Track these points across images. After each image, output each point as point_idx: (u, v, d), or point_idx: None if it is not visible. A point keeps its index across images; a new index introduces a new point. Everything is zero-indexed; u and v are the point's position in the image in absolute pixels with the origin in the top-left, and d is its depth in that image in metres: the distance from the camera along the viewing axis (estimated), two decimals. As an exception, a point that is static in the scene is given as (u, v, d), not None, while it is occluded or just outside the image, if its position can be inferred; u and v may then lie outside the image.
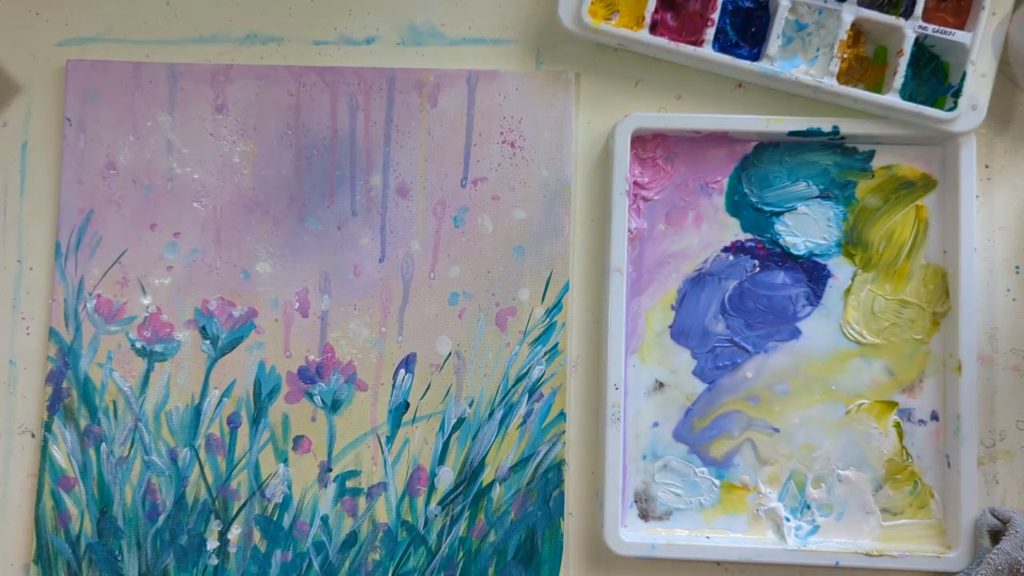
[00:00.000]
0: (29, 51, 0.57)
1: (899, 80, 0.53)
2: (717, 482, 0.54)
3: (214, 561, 0.54)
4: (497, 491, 0.54)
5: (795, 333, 0.55)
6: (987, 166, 0.56)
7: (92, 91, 0.56)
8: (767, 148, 0.56)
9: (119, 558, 0.54)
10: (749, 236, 0.55)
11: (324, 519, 0.55)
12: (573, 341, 0.55)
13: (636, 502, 0.54)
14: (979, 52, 0.53)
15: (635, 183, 0.55)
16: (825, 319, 0.55)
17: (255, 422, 0.55)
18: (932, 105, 0.54)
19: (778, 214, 0.55)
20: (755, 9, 0.55)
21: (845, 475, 0.54)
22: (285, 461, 0.55)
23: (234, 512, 0.55)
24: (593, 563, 0.55)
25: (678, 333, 0.55)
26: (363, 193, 0.56)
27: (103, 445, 0.55)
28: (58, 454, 0.55)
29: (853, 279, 0.55)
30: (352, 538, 0.54)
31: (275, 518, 0.55)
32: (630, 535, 0.53)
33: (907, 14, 0.53)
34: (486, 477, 0.55)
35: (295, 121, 0.56)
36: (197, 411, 0.55)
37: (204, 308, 0.55)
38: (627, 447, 0.54)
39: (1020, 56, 0.53)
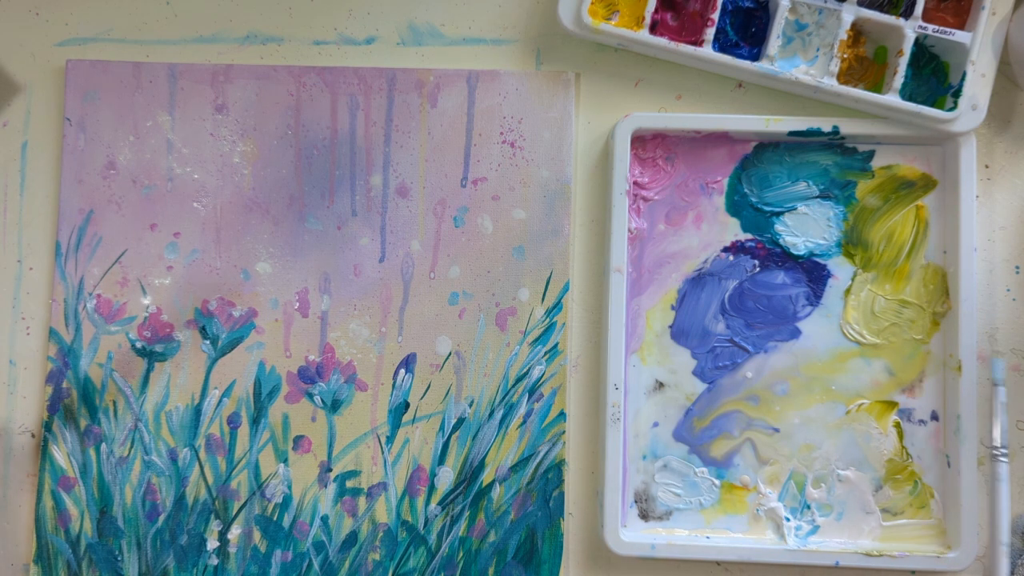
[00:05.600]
0: (29, 51, 0.57)
1: (899, 80, 0.53)
2: (717, 482, 0.54)
3: (214, 561, 0.54)
4: (497, 491, 0.54)
5: (795, 333, 0.55)
6: (987, 166, 0.56)
7: (92, 91, 0.56)
8: (767, 148, 0.56)
9: (119, 558, 0.54)
10: (749, 236, 0.55)
11: (324, 519, 0.55)
12: (573, 341, 0.55)
13: (636, 502, 0.54)
14: (979, 52, 0.53)
15: (635, 183, 0.55)
16: (825, 319, 0.55)
17: (255, 422, 0.55)
18: (932, 105, 0.54)
19: (778, 214, 0.55)
20: (755, 9, 0.55)
21: (845, 475, 0.54)
22: (285, 461, 0.55)
23: (234, 512, 0.55)
24: (593, 563, 0.55)
25: (678, 333, 0.55)
26: (363, 193, 0.56)
27: (103, 445, 0.55)
28: (58, 454, 0.55)
29: (853, 279, 0.55)
30: (352, 538, 0.55)
31: (275, 518, 0.55)
32: (630, 535, 0.53)
33: (907, 14, 0.53)
34: (486, 477, 0.55)
35: (295, 121, 0.56)
36: (197, 411, 0.55)
37: (204, 308, 0.55)
38: (627, 447, 0.54)
39: (1020, 56, 0.53)
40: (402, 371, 0.55)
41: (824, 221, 0.55)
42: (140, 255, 0.56)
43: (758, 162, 0.56)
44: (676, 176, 0.56)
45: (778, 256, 0.55)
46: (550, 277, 0.55)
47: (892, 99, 0.53)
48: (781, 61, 0.54)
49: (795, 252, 0.55)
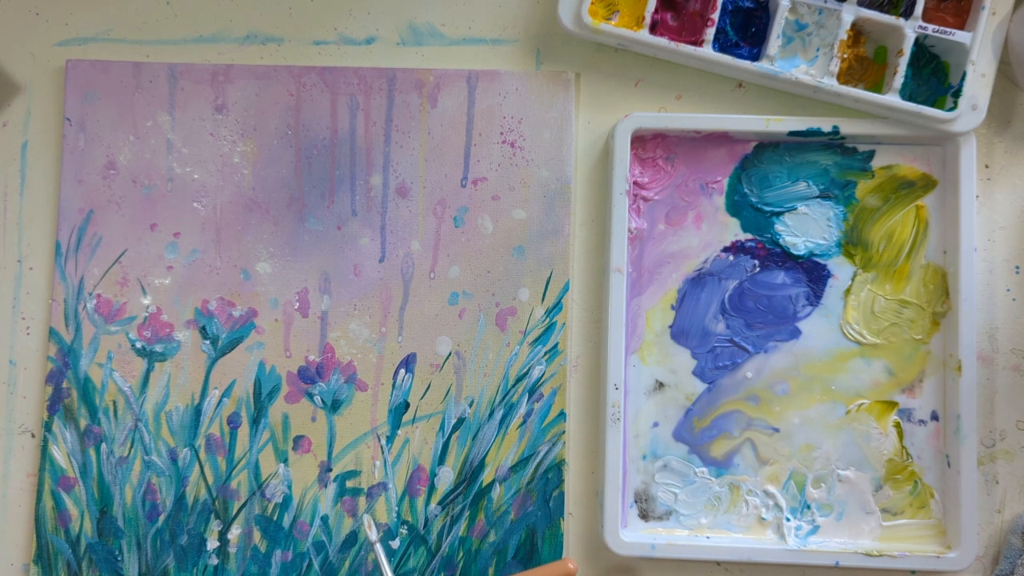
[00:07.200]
0: (29, 51, 0.57)
1: (899, 80, 0.53)
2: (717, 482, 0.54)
3: (214, 561, 0.54)
4: (497, 491, 0.54)
5: (795, 333, 0.55)
6: (987, 166, 0.56)
7: (92, 91, 0.56)
8: (767, 148, 0.56)
9: (119, 558, 0.54)
10: (749, 236, 0.55)
11: (324, 519, 0.55)
12: (573, 341, 0.55)
13: (636, 502, 0.54)
14: (979, 52, 0.53)
15: (635, 183, 0.55)
16: (825, 319, 0.55)
17: (255, 422, 0.55)
18: (932, 105, 0.54)
19: (778, 214, 0.55)
20: (755, 9, 0.55)
21: (845, 475, 0.54)
22: (285, 461, 0.55)
23: (234, 512, 0.55)
24: (593, 563, 0.55)
25: (678, 333, 0.55)
26: (363, 193, 0.56)
27: (103, 445, 0.55)
28: (58, 454, 0.55)
29: (853, 279, 0.55)
30: (352, 538, 0.54)
31: (275, 518, 0.55)
32: (630, 535, 0.53)
33: (907, 14, 0.53)
34: (486, 477, 0.55)
35: (295, 121, 0.56)
36: (197, 411, 0.55)
37: (204, 308, 0.55)
38: (627, 447, 0.54)
39: (1020, 56, 0.53)
40: (402, 371, 0.55)
41: (824, 221, 0.55)
42: (140, 255, 0.56)
43: (758, 162, 0.56)
44: (676, 176, 0.56)
45: (778, 256, 0.55)
46: (550, 277, 0.55)
47: (892, 99, 0.53)
48: (781, 61, 0.54)
49: (795, 252, 0.55)
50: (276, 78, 0.56)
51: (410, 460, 0.55)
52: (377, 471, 0.55)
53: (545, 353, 0.55)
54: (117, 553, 0.55)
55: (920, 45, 0.54)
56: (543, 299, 0.55)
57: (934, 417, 0.54)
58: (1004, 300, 0.55)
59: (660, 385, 0.55)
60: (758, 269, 0.55)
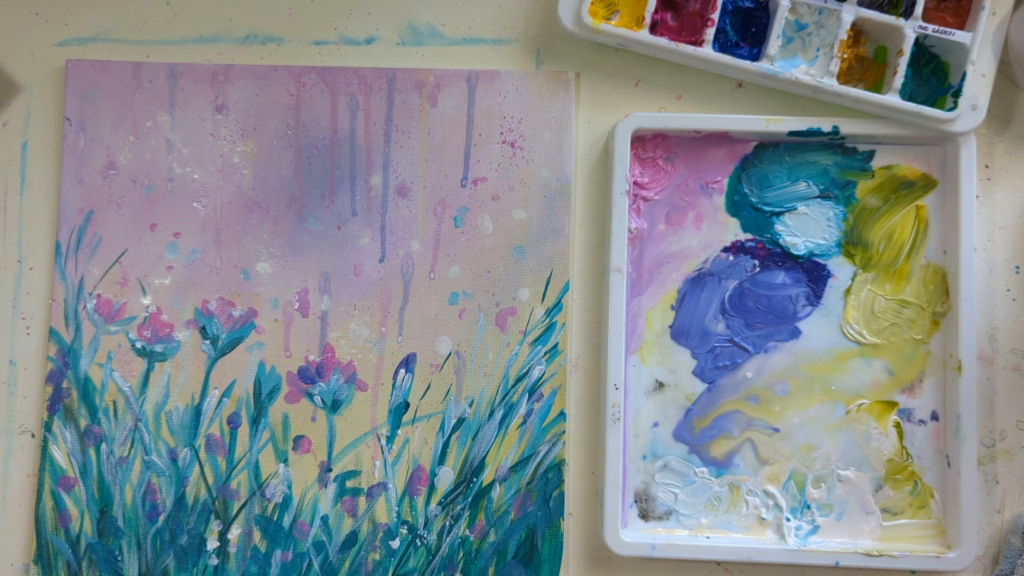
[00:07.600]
0: (29, 51, 0.57)
1: (899, 80, 0.53)
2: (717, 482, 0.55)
3: (214, 561, 0.54)
4: (497, 491, 0.54)
5: (795, 333, 0.55)
6: (987, 166, 0.56)
7: (92, 91, 0.56)
8: (767, 148, 0.56)
9: (119, 558, 0.54)
10: (749, 236, 0.55)
11: (324, 519, 0.55)
12: (573, 341, 0.55)
13: (636, 502, 0.54)
14: (979, 52, 0.53)
15: (635, 183, 0.55)
16: (825, 319, 0.55)
17: (255, 422, 0.55)
18: (932, 105, 0.54)
19: (778, 214, 0.55)
20: (755, 9, 0.55)
21: (845, 475, 0.54)
22: (285, 461, 0.55)
23: (234, 512, 0.55)
24: (593, 563, 0.55)
25: (678, 333, 0.55)
26: (363, 193, 0.56)
27: (103, 445, 0.55)
28: (58, 454, 0.55)
29: (853, 279, 0.55)
30: (352, 538, 0.55)
31: (275, 518, 0.55)
32: (630, 535, 0.53)
33: (907, 14, 0.53)
34: (486, 477, 0.55)
35: (295, 121, 0.56)
36: (197, 411, 0.55)
37: (204, 308, 0.55)
38: (627, 447, 0.54)
39: (1020, 56, 0.53)
40: (402, 371, 0.55)
41: (824, 221, 0.55)
42: (140, 255, 0.56)
43: (758, 162, 0.56)
44: (676, 176, 0.56)
45: (778, 256, 0.55)
46: (550, 277, 0.55)
47: (892, 99, 0.53)
48: (781, 61, 0.54)
49: (795, 252, 0.55)
50: (276, 78, 0.56)
51: (410, 460, 0.55)
52: (377, 471, 0.55)
53: (545, 353, 0.55)
54: (117, 553, 0.55)
55: (920, 45, 0.54)
56: (543, 299, 0.55)
57: (934, 417, 0.54)
58: (1004, 300, 0.55)
59: (660, 385, 0.55)
60: (758, 269, 0.55)
